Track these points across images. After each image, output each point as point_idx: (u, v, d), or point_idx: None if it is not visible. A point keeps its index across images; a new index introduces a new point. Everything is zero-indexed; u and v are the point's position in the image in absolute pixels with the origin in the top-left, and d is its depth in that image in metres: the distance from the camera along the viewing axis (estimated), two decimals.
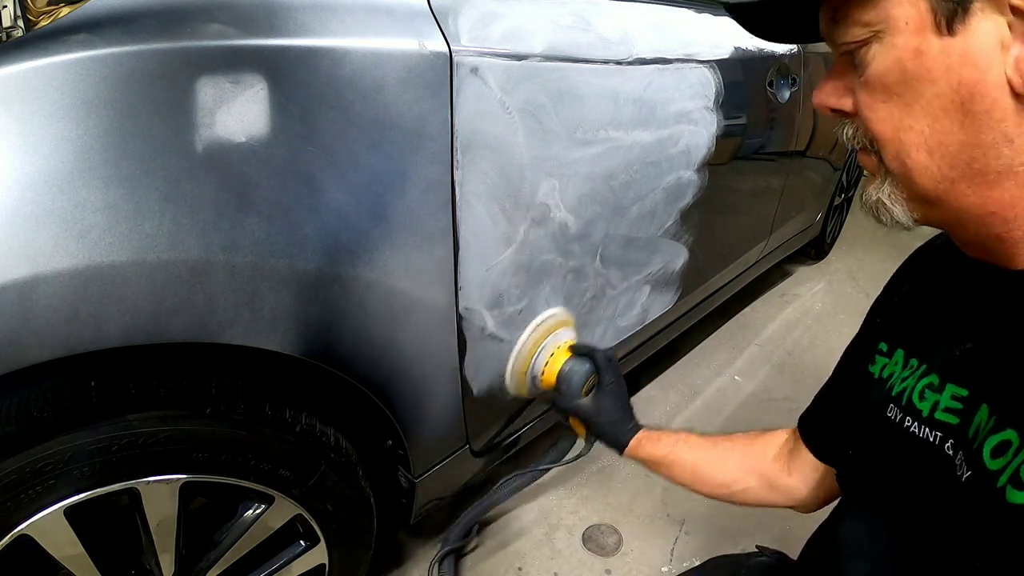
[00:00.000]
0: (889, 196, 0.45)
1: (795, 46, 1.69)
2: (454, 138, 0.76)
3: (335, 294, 0.70)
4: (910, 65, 0.41)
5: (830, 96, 0.47)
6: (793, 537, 1.29)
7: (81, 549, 0.65)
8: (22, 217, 0.49)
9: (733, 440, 0.83)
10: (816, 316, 2.40)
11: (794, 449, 0.75)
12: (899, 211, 0.45)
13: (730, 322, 2.28)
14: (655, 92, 1.09)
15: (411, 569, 1.22)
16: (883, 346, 0.58)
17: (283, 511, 0.79)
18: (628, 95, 1.03)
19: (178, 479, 0.68)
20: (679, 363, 1.99)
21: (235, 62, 0.58)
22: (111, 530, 0.70)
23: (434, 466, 0.99)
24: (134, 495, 0.67)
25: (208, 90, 0.57)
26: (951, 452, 0.47)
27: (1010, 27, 0.38)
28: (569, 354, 0.99)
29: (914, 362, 0.53)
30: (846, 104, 0.46)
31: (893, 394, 0.53)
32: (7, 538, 0.60)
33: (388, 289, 0.76)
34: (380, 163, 0.71)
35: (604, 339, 1.26)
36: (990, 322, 0.46)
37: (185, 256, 0.57)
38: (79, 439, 0.60)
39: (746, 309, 2.40)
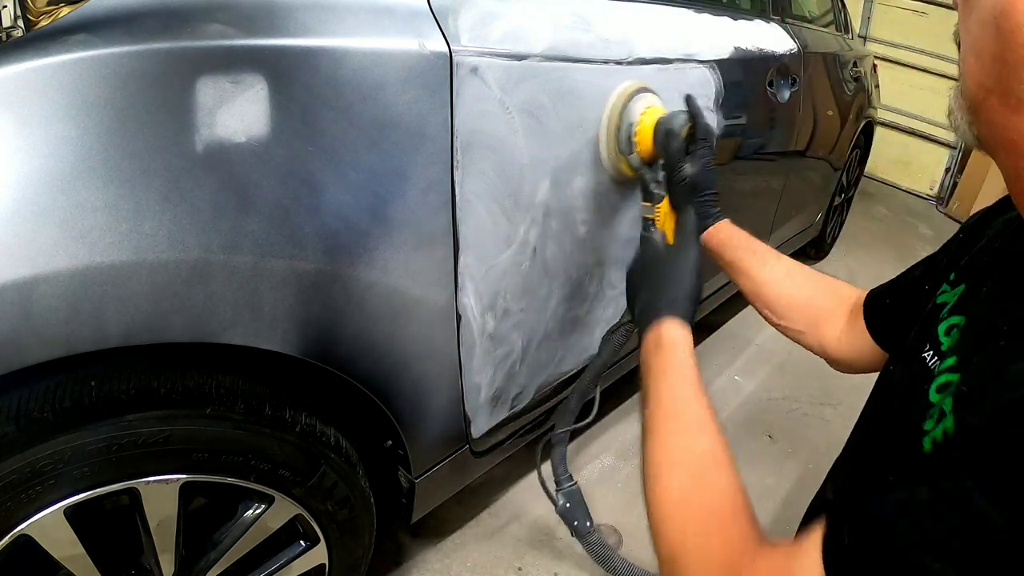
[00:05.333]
0: (955, 99, 0.47)
1: (795, 46, 1.69)
2: (454, 138, 0.76)
3: (335, 294, 0.70)
4: None
5: None
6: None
7: (81, 549, 0.65)
8: (22, 217, 0.49)
9: (796, 285, 0.81)
10: None
11: (853, 316, 0.75)
12: (959, 117, 0.46)
13: (730, 322, 2.28)
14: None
15: (411, 569, 1.22)
16: (952, 276, 0.58)
17: (283, 511, 0.79)
18: None
19: (178, 479, 0.68)
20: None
21: (235, 62, 0.58)
22: (111, 530, 0.70)
23: (434, 466, 0.99)
24: (134, 495, 0.66)
25: (208, 90, 0.57)
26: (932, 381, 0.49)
27: None
28: (659, 111, 0.92)
29: (963, 295, 0.53)
30: None
31: (936, 319, 0.54)
32: (7, 538, 0.60)
33: (388, 289, 0.76)
34: (380, 163, 0.71)
35: None
36: (1003, 268, 0.48)
37: (185, 256, 0.57)
38: (79, 439, 0.60)
39: (746, 309, 2.39)
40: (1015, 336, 0.40)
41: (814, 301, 0.80)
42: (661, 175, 0.90)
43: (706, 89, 1.23)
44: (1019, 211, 0.46)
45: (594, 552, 1.11)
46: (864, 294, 0.77)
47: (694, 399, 0.59)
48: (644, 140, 0.91)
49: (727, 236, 0.87)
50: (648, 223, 0.90)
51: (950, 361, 0.46)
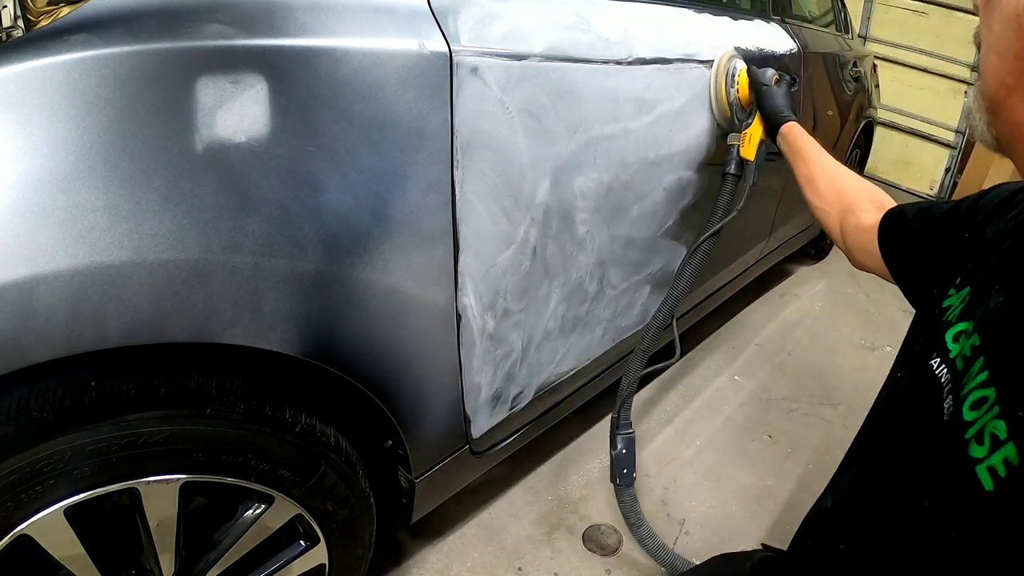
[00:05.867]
0: (974, 100, 0.46)
1: (795, 46, 1.69)
2: (454, 138, 0.76)
3: (335, 294, 0.70)
4: None
5: None
6: None
7: (81, 549, 0.65)
8: (22, 217, 0.49)
9: (843, 177, 0.97)
10: (816, 316, 2.40)
11: (872, 226, 0.82)
12: (978, 120, 0.46)
13: (730, 322, 2.28)
14: (655, 92, 1.09)
15: (411, 569, 1.22)
16: (958, 280, 0.58)
17: (283, 511, 0.79)
18: (628, 95, 1.03)
19: (178, 479, 0.68)
20: (679, 363, 1.99)
21: (235, 62, 0.58)
22: (111, 530, 0.70)
23: (434, 466, 0.99)
24: (134, 495, 0.66)
25: (208, 90, 0.57)
26: (945, 395, 0.47)
27: None
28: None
29: (967, 303, 0.53)
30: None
31: (941, 328, 0.53)
32: (7, 538, 0.60)
33: (388, 289, 0.76)
34: (380, 163, 0.71)
35: (604, 339, 1.26)
36: (1014, 272, 0.47)
37: (185, 256, 0.57)
38: (79, 439, 0.60)
39: (746, 309, 2.40)
40: None
41: (849, 192, 0.92)
42: (750, 113, 1.21)
43: (706, 89, 1.23)
44: None
45: (625, 506, 1.13)
46: (889, 207, 0.84)
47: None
48: (743, 88, 1.21)
49: (795, 131, 1.09)
50: (733, 148, 1.20)
51: (981, 377, 0.43)
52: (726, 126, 1.27)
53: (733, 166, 1.18)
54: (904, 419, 0.53)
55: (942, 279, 0.62)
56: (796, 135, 1.08)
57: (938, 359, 0.50)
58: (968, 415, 0.42)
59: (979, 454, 0.39)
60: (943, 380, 0.48)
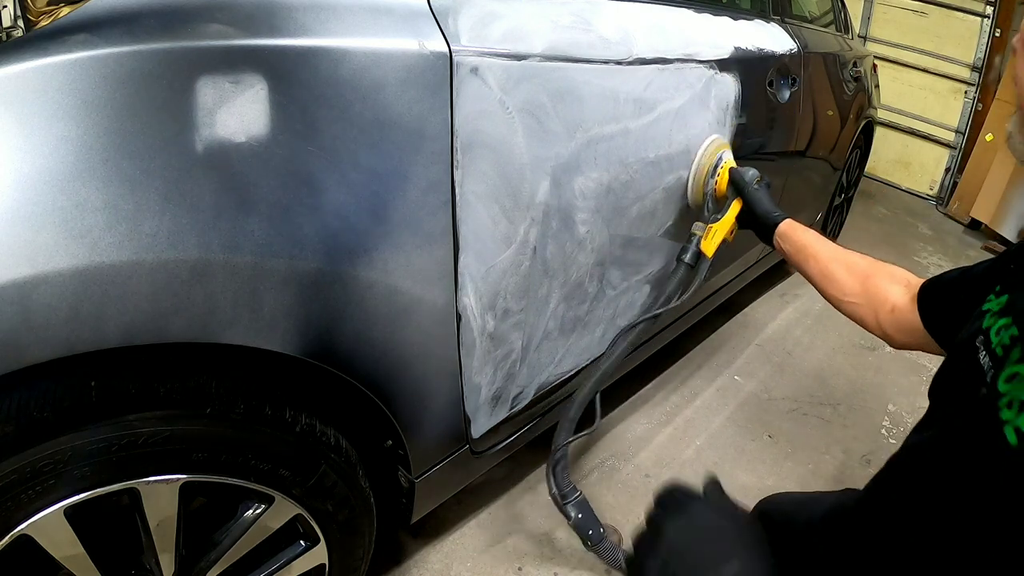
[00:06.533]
0: (1015, 123, 0.51)
1: (795, 46, 1.69)
2: (454, 138, 0.76)
3: (335, 294, 0.70)
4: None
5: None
6: None
7: (81, 549, 0.65)
8: (22, 217, 0.49)
9: (857, 264, 0.94)
10: (816, 316, 2.40)
11: (908, 303, 0.82)
12: (1018, 139, 0.50)
13: (730, 322, 2.28)
14: (655, 92, 1.09)
15: (411, 569, 1.22)
16: (997, 287, 0.60)
17: (283, 511, 0.79)
18: (628, 95, 1.03)
19: (178, 479, 0.68)
20: (679, 363, 1.99)
21: (235, 62, 0.58)
22: (111, 530, 0.70)
23: (434, 466, 0.99)
24: (134, 495, 0.66)
25: (208, 90, 0.57)
26: (988, 380, 0.50)
27: None
28: (732, 163, 1.26)
29: (1007, 303, 0.56)
30: None
31: (983, 326, 0.56)
32: (7, 538, 0.60)
33: (388, 289, 0.76)
34: (380, 163, 0.71)
35: (604, 339, 1.26)
36: None
37: (185, 256, 0.57)
38: (79, 439, 0.60)
39: (746, 309, 2.40)
40: None
41: (872, 279, 0.89)
42: (721, 207, 1.22)
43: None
44: None
45: (607, 556, 1.11)
46: (920, 281, 0.84)
47: None
48: (722, 181, 1.24)
49: (794, 228, 1.06)
50: (694, 238, 1.20)
51: (1016, 356, 0.47)
52: (694, 211, 1.29)
53: (689, 255, 1.18)
54: (950, 400, 0.57)
55: (989, 282, 0.64)
56: (797, 232, 1.05)
57: (983, 351, 0.53)
58: (1003, 388, 0.46)
59: (1008, 417, 0.44)
60: (986, 368, 0.51)
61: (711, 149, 1.26)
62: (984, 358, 0.53)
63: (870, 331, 0.90)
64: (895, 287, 0.87)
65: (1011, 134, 0.52)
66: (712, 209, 1.24)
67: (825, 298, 0.97)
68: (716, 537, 0.54)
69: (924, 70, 4.34)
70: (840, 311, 0.95)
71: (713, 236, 1.18)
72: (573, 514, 1.09)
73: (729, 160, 1.27)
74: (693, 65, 1.18)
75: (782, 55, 1.59)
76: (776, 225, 1.08)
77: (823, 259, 0.96)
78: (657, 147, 1.13)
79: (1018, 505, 0.42)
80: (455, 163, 0.78)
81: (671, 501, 0.59)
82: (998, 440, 0.44)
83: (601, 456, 1.56)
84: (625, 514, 1.37)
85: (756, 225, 1.15)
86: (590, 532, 1.09)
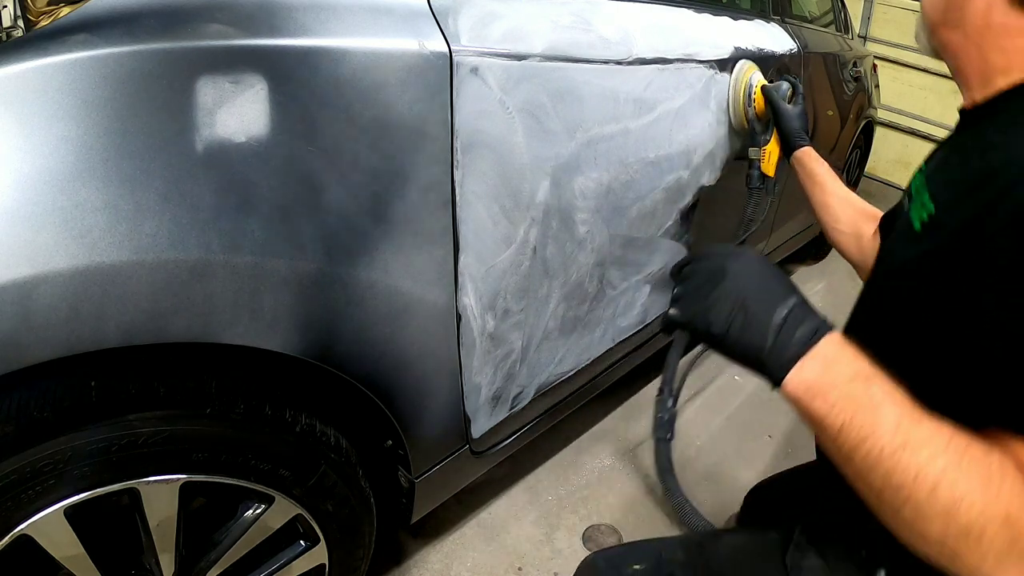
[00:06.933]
0: (919, 20, 0.66)
1: (795, 46, 1.69)
2: (454, 138, 0.76)
3: (335, 294, 0.70)
4: None
5: None
6: None
7: (81, 549, 0.65)
8: (22, 217, 0.49)
9: (855, 196, 1.07)
10: None
11: (876, 232, 0.93)
12: (920, 32, 0.67)
13: None
14: (655, 92, 1.09)
15: (411, 569, 1.22)
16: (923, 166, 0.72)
17: (283, 511, 0.79)
18: (628, 95, 1.03)
19: (178, 479, 0.68)
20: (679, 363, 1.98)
21: (235, 62, 0.58)
22: (111, 530, 0.70)
23: (434, 466, 0.99)
24: (134, 495, 0.66)
25: (208, 90, 0.57)
26: (905, 209, 0.66)
27: None
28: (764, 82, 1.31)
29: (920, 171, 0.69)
30: None
31: (908, 188, 0.69)
32: (7, 538, 0.60)
33: (388, 289, 0.76)
34: (380, 163, 0.71)
35: (604, 339, 1.26)
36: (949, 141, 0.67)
37: (185, 256, 0.57)
38: (79, 439, 0.60)
39: None
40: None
41: (863, 215, 1.02)
42: (767, 126, 1.27)
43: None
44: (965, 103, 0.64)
45: (662, 458, 1.09)
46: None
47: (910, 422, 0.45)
48: (759, 104, 1.28)
49: (810, 156, 1.16)
50: (754, 163, 1.28)
51: (920, 184, 0.63)
52: (744, 137, 1.35)
53: (755, 180, 1.29)
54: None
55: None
56: (811, 160, 1.15)
57: (905, 198, 0.69)
58: (913, 203, 0.62)
59: (914, 214, 0.61)
60: (906, 208, 0.65)
61: (742, 76, 1.30)
62: (905, 200, 0.69)
63: (851, 260, 1.01)
64: (873, 224, 0.97)
65: (918, 33, 0.68)
66: (759, 130, 1.29)
67: (819, 223, 1.09)
68: (775, 274, 0.56)
69: (924, 70, 4.34)
70: (828, 238, 1.07)
71: (769, 159, 1.27)
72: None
73: (760, 80, 1.31)
74: (693, 65, 1.18)
75: (782, 55, 1.59)
76: (795, 148, 1.19)
77: (827, 190, 1.08)
78: (657, 147, 1.13)
79: (921, 270, 0.55)
80: (455, 163, 0.78)
81: (722, 248, 0.59)
82: (911, 227, 0.60)
83: (601, 456, 1.56)
84: (625, 514, 1.37)
85: (782, 142, 1.25)
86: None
